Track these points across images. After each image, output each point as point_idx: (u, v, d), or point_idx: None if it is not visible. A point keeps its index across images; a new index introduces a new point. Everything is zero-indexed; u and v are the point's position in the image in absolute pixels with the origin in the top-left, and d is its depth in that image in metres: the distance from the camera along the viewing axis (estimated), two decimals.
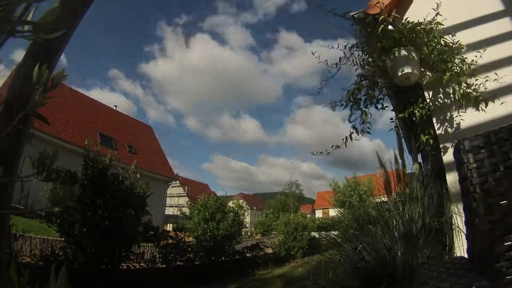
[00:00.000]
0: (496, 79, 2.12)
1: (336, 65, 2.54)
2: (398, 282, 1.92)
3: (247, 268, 7.54)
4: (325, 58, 2.55)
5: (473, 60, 2.18)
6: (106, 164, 5.64)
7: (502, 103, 2.09)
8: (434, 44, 2.22)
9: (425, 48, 2.23)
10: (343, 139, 2.60)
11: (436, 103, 2.39)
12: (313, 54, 2.53)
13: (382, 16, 2.28)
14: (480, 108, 2.14)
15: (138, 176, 6.20)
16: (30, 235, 5.95)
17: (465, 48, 2.22)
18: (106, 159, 5.71)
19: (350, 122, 2.57)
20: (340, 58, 2.52)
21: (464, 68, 2.17)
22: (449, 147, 2.29)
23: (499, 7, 2.34)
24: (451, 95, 2.31)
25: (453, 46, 2.21)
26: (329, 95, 2.71)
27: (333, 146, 2.60)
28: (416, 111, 2.30)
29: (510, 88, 2.13)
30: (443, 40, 2.23)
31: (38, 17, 0.65)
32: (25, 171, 0.83)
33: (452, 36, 2.24)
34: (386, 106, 2.69)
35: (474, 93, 2.15)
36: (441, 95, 2.38)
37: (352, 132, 2.57)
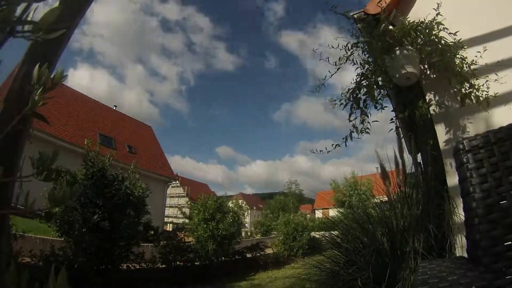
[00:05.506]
0: (496, 79, 2.12)
1: (335, 64, 2.54)
2: (398, 283, 1.93)
3: (246, 269, 7.53)
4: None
5: (473, 60, 2.18)
6: (106, 164, 5.63)
7: (505, 104, 2.08)
8: (434, 44, 2.22)
9: (425, 48, 2.23)
10: (343, 138, 2.59)
11: (437, 103, 2.39)
12: (315, 51, 2.53)
13: (383, 16, 2.28)
14: (481, 107, 2.14)
15: (138, 176, 6.20)
16: (30, 235, 5.93)
17: (465, 47, 2.22)
18: (106, 159, 5.71)
19: (350, 121, 2.57)
20: (340, 57, 2.51)
21: (465, 68, 2.17)
22: (449, 147, 2.29)
23: (499, 6, 2.34)
24: (452, 95, 2.31)
25: (454, 46, 2.20)
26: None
27: (333, 144, 2.59)
28: (416, 111, 2.30)
29: (510, 87, 2.13)
30: (443, 40, 2.22)
31: (38, 17, 0.65)
32: (25, 171, 0.83)
33: (453, 36, 2.24)
34: (386, 106, 2.68)
35: (476, 93, 2.15)
36: (441, 95, 2.38)
37: (352, 131, 2.56)
